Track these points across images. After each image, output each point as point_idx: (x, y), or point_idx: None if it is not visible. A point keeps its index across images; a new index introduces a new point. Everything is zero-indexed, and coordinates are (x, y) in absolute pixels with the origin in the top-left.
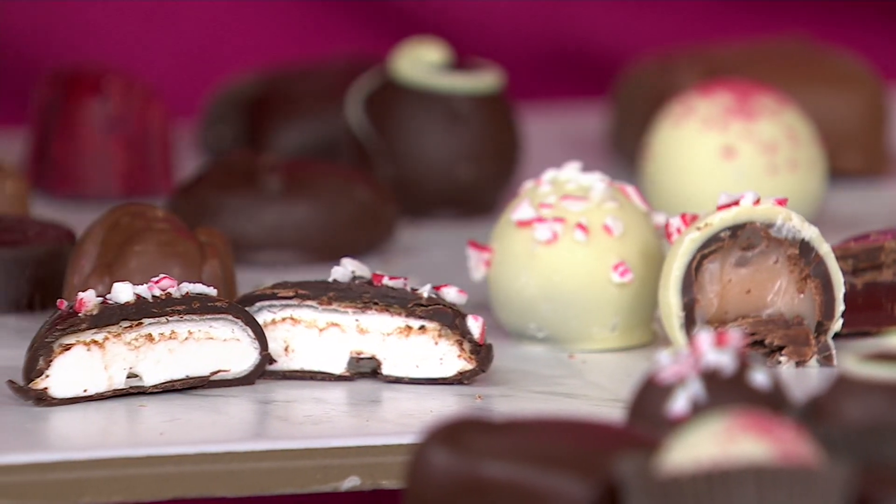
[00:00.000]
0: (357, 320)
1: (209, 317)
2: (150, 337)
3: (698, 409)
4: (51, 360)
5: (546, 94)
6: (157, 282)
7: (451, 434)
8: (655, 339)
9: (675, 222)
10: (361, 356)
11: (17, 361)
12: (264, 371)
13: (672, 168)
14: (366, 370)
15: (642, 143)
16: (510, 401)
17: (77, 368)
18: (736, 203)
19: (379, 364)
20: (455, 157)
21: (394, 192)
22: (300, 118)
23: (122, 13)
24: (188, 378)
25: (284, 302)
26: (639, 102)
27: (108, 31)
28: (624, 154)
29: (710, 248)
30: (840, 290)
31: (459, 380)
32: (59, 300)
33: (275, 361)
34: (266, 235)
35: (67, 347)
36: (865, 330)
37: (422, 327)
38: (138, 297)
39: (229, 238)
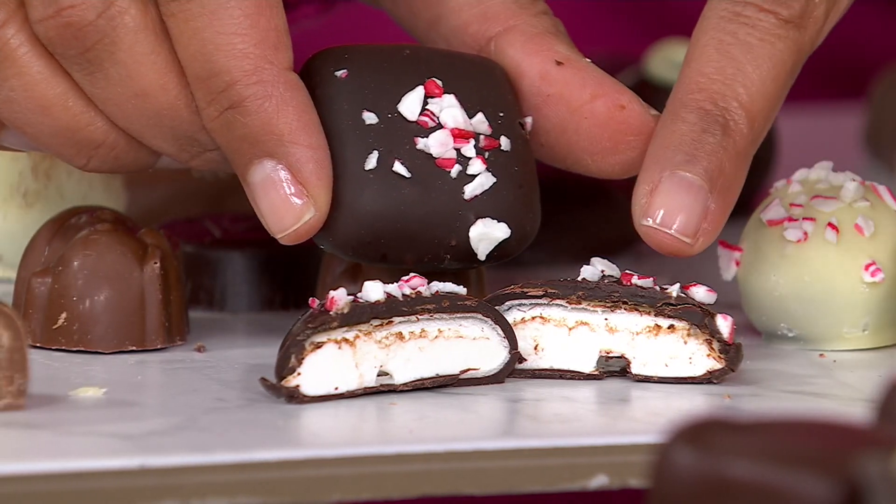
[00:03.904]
0: (606, 319)
1: (459, 315)
2: (400, 335)
3: None
4: (302, 358)
5: (801, 96)
6: (406, 280)
7: (696, 433)
8: None
9: None
10: (610, 355)
11: (269, 359)
12: (513, 369)
13: None
14: (615, 369)
15: None
16: (759, 400)
17: (328, 366)
18: None
19: (628, 363)
20: None
21: None
22: None
23: None
24: (438, 376)
25: (534, 300)
26: (895, 104)
27: None
28: (880, 156)
29: None
30: None
31: (708, 379)
32: (310, 299)
33: (524, 360)
34: None
35: (319, 345)
36: None
37: (671, 326)
38: (388, 295)
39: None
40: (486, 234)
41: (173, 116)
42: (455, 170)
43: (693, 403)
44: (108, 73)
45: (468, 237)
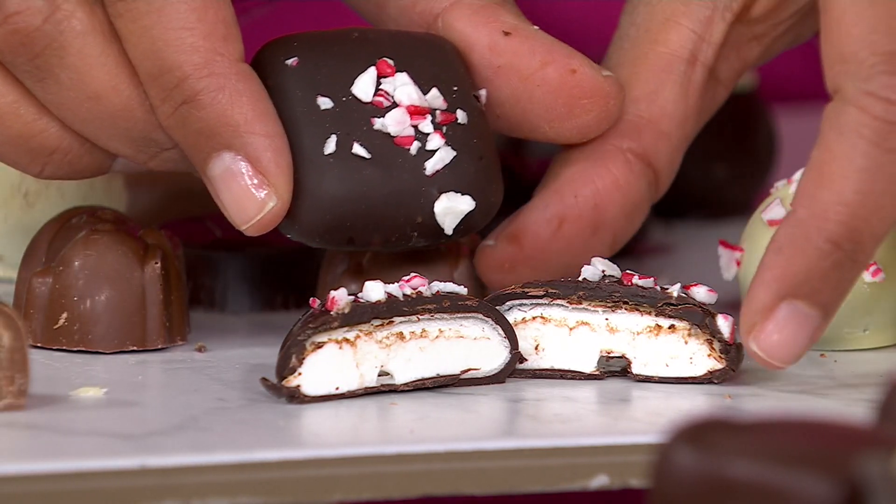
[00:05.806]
0: (607, 319)
1: (459, 315)
2: (400, 335)
3: None
4: (303, 358)
5: (801, 96)
6: (407, 280)
7: (697, 433)
8: None
9: None
10: (611, 355)
11: (270, 360)
12: (514, 369)
13: None
14: (615, 369)
15: None
16: (759, 400)
17: (329, 366)
18: None
19: (628, 363)
20: (708, 157)
21: None
22: None
23: None
24: (439, 376)
25: (534, 301)
26: None
27: None
28: None
29: None
30: None
31: (709, 379)
32: (311, 299)
33: (525, 360)
34: None
35: (319, 345)
36: None
37: (671, 326)
38: (389, 295)
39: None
40: (451, 208)
41: (128, 117)
42: (414, 147)
43: (693, 403)
44: (59, 78)
45: (433, 213)
